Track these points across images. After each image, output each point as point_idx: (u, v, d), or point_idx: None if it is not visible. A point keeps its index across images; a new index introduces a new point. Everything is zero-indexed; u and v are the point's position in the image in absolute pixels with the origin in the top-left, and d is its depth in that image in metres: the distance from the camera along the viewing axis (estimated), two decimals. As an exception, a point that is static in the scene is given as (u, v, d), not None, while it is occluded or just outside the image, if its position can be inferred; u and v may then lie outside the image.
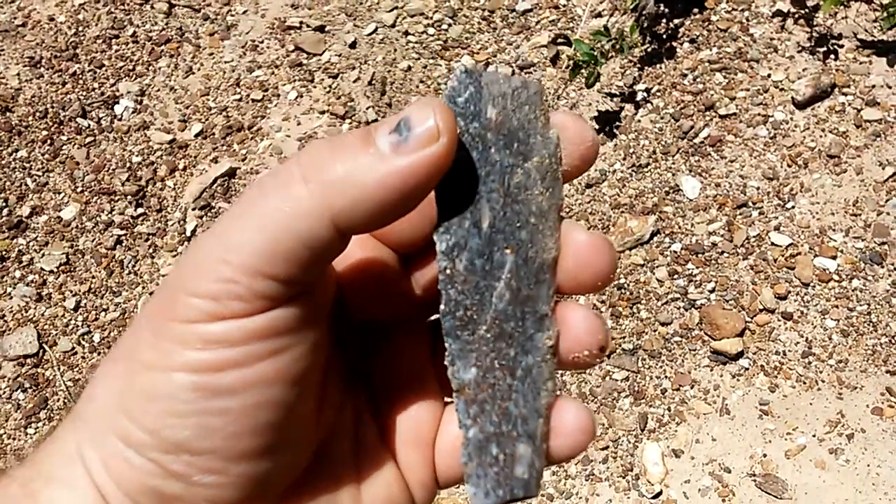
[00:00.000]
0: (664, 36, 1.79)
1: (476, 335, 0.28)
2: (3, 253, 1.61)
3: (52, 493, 0.28)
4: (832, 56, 1.72)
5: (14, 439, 1.44)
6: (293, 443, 0.29)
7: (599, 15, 1.82)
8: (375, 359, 0.34)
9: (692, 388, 1.42)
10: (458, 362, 0.28)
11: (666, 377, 1.44)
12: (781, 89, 1.70)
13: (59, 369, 1.50)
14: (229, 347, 0.26)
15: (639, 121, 1.70)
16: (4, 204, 1.66)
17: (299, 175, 0.25)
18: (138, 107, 1.79)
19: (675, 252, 1.54)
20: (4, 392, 1.48)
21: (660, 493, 1.34)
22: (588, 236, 0.30)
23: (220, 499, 0.28)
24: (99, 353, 1.52)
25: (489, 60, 1.79)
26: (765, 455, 1.36)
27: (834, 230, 1.54)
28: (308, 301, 0.27)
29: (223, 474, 0.27)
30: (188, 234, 1.64)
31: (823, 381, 1.41)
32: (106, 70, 1.84)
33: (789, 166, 1.61)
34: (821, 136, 1.64)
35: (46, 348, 1.52)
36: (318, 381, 0.30)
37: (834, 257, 1.50)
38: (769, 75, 1.72)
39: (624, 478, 1.36)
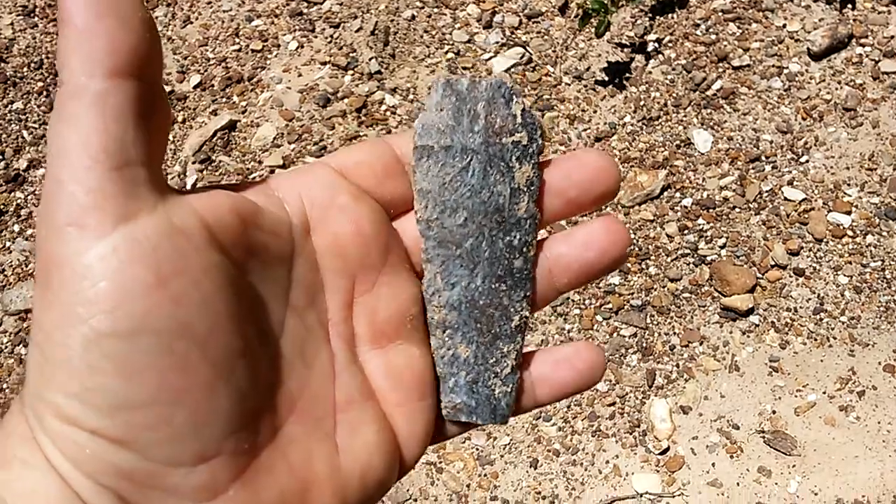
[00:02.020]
0: (677, -16, 1.73)
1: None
2: (2, 207, 1.58)
3: (11, 473, 0.26)
4: (849, 5, 1.67)
5: (17, 394, 1.43)
6: (236, 378, 0.27)
7: (610, -38, 1.76)
8: (358, 307, 0.33)
9: (701, 344, 1.40)
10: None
11: (675, 333, 1.42)
12: (797, 40, 1.65)
13: (59, 324, 1.48)
14: (107, 279, 0.24)
15: (650, 72, 1.65)
16: (1, 157, 1.63)
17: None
18: (136, 57, 1.75)
19: (686, 207, 1.51)
20: (6, 346, 1.46)
21: (667, 450, 1.33)
22: (593, 156, 0.33)
23: (180, 455, 0.26)
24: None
25: (495, 10, 1.74)
26: (774, 412, 1.34)
27: (849, 185, 1.50)
28: (161, 210, 0.26)
29: (168, 424, 0.25)
30: (188, 187, 1.60)
31: (835, 338, 1.39)
32: (102, 19, 1.79)
33: (804, 119, 1.57)
34: (837, 89, 1.60)
35: (47, 303, 1.50)
36: (234, 310, 0.27)
37: (848, 212, 1.47)
38: (784, 25, 1.67)
39: (631, 434, 1.35)
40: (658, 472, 1.32)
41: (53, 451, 0.26)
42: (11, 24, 1.78)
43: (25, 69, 1.72)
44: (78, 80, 0.25)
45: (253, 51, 1.74)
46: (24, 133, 1.66)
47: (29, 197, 1.60)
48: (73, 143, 0.25)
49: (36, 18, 1.79)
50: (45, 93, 1.70)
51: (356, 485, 0.31)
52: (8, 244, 1.55)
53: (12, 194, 1.60)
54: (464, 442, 1.36)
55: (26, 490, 0.25)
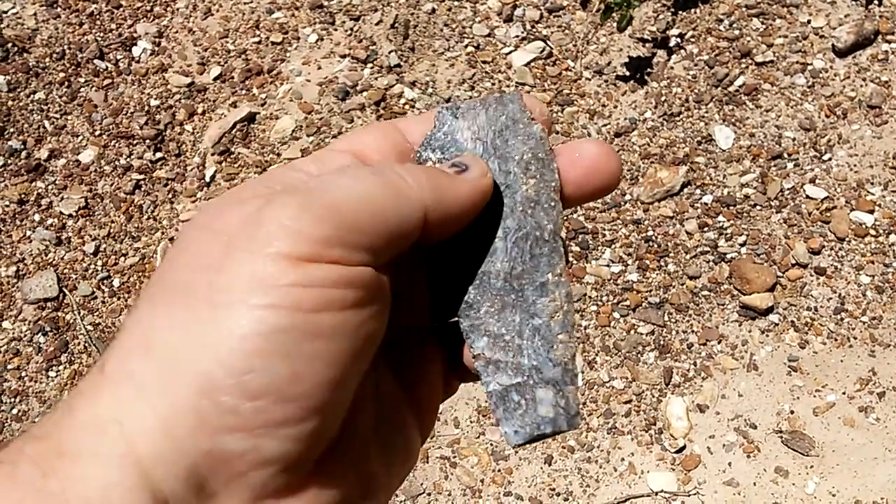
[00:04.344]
0: (700, -21, 1.71)
1: (481, 313, 0.34)
2: (23, 196, 1.60)
3: (78, 469, 0.24)
4: (876, 1, 1.64)
5: (35, 381, 1.44)
6: (344, 405, 0.29)
7: (632, -44, 1.74)
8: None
9: (719, 343, 1.39)
10: (472, 336, 0.34)
11: (693, 332, 1.40)
12: (821, 36, 1.63)
13: (79, 313, 1.49)
14: (326, 288, 0.26)
15: (671, 67, 1.64)
16: (23, 146, 1.64)
17: (403, 176, 0.30)
18: (156, 49, 1.75)
19: (706, 204, 1.49)
20: (25, 335, 1.48)
21: (683, 448, 1.32)
22: (595, 147, 0.34)
23: (280, 454, 0.26)
24: (118, 298, 1.51)
25: (516, 3, 1.73)
26: (792, 412, 1.33)
27: (872, 183, 1.48)
28: (384, 273, 0.29)
29: (294, 425, 0.26)
30: (207, 179, 1.61)
31: (855, 338, 1.37)
32: (123, 10, 1.80)
33: (827, 117, 1.55)
34: (861, 86, 1.57)
35: (66, 292, 1.51)
36: (374, 352, 0.30)
37: (871, 211, 1.45)
38: (809, 21, 1.65)
39: (647, 432, 1.34)
40: (674, 470, 1.31)
41: (147, 426, 0.25)
42: (34, 14, 1.79)
43: (48, 59, 1.73)
44: (412, 189, 0.30)
45: (273, 43, 1.74)
46: (46, 123, 1.67)
47: (49, 187, 1.61)
48: (351, 193, 0.28)
49: (59, 9, 1.80)
50: (66, 83, 1.71)
51: (403, 475, 0.33)
52: (28, 233, 1.56)
53: (33, 184, 1.61)
54: (478, 437, 1.36)
55: (97, 489, 0.24)
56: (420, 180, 0.30)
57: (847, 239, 1.44)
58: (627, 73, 1.64)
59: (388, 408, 0.33)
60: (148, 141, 1.65)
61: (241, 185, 0.31)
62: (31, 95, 1.70)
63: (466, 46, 1.70)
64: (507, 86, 1.65)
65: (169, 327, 0.26)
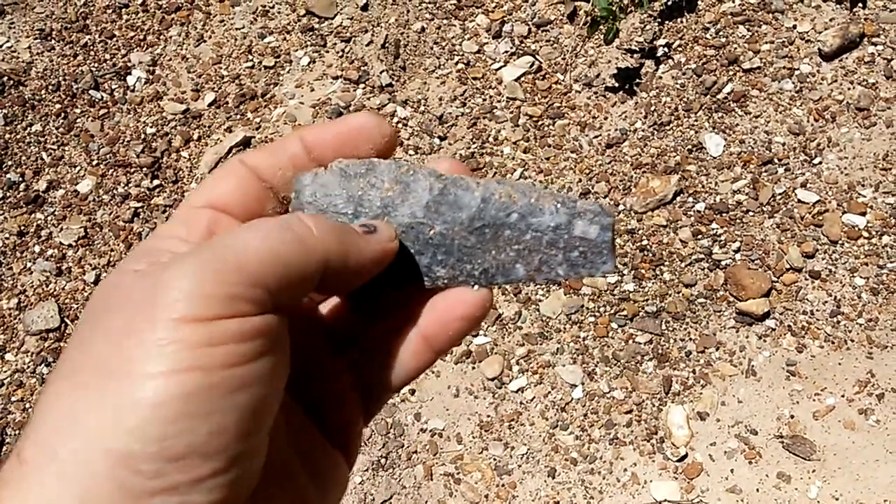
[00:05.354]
0: (685, -12, 1.73)
1: (490, 261, 0.35)
2: (22, 228, 1.61)
3: None
4: (860, 4, 1.66)
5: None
6: (264, 445, 0.30)
7: (617, -32, 1.76)
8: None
9: (717, 350, 1.40)
10: (511, 276, 0.36)
11: (690, 339, 1.41)
12: (807, 41, 1.64)
13: (81, 343, 1.50)
14: (235, 343, 0.27)
15: (660, 77, 1.65)
16: (21, 178, 1.66)
17: (309, 226, 0.31)
18: (150, 77, 1.77)
19: (699, 212, 1.51)
20: (28, 366, 1.49)
21: (685, 457, 1.33)
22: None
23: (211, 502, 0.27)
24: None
25: (504, 19, 1.75)
26: (792, 416, 1.34)
27: (863, 185, 1.49)
28: (285, 315, 0.30)
29: (221, 475, 0.27)
30: (205, 204, 1.62)
31: (853, 341, 1.38)
32: (117, 40, 1.82)
33: (816, 120, 1.57)
34: (849, 89, 1.59)
35: (68, 322, 1.52)
36: (283, 389, 0.31)
37: (863, 213, 1.46)
38: (794, 26, 1.66)
39: (648, 441, 1.35)
40: (676, 479, 1.32)
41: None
42: (29, 47, 1.81)
43: (43, 91, 1.75)
44: (315, 239, 0.31)
45: (266, 67, 1.76)
46: (43, 155, 1.69)
47: (49, 218, 1.63)
48: (257, 249, 0.29)
49: (53, 41, 1.82)
50: (62, 114, 1.73)
51: (337, 497, 0.35)
52: (29, 265, 1.58)
53: (32, 215, 1.63)
54: (481, 453, 1.37)
55: None
56: (324, 231, 0.31)
57: (840, 242, 1.45)
58: (616, 85, 1.65)
59: (303, 433, 0.34)
60: (145, 169, 1.67)
61: (129, 256, 0.31)
62: (28, 128, 1.72)
63: (457, 63, 1.72)
64: (499, 101, 1.66)
65: (83, 407, 0.26)
